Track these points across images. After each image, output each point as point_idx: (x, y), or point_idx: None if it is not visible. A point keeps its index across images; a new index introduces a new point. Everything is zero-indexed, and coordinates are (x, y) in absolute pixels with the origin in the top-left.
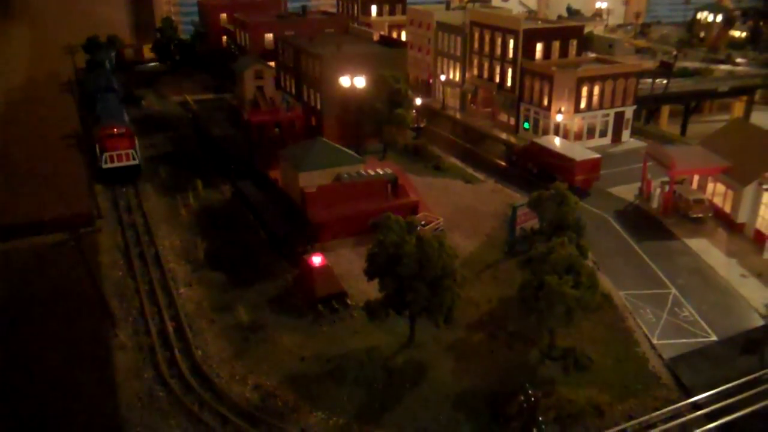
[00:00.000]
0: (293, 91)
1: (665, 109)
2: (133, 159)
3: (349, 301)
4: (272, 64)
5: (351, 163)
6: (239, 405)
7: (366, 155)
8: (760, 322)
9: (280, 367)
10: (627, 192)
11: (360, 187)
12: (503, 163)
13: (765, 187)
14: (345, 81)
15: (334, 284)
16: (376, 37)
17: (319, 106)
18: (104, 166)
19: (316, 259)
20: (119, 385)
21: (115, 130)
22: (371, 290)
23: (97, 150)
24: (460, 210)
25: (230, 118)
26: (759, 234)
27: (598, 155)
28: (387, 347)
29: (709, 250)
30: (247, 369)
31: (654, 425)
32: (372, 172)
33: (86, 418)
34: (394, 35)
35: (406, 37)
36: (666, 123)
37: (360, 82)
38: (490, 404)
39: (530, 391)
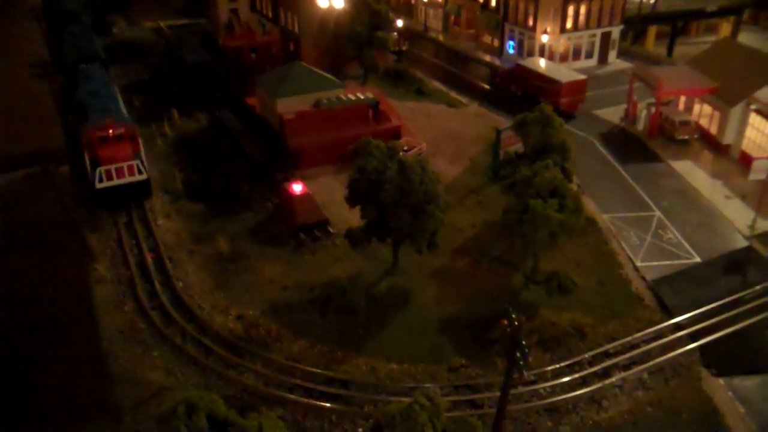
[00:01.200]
0: (269, 14)
1: (652, 30)
2: (139, 172)
3: (331, 229)
4: None
5: (330, 88)
6: (222, 335)
7: (346, 80)
8: (743, 243)
9: (263, 297)
10: (613, 114)
11: (340, 112)
12: (487, 86)
13: (752, 107)
14: (323, 2)
15: (315, 212)
16: None
17: (296, 30)
18: (99, 185)
19: (297, 187)
20: (100, 319)
21: (111, 130)
22: (353, 218)
23: (86, 161)
24: (443, 135)
25: (205, 43)
26: (744, 155)
27: (584, 77)
28: (370, 274)
29: (694, 172)
30: (228, 300)
31: (636, 346)
32: (352, 97)
33: (68, 351)
34: None
35: None
36: (653, 44)
37: (338, 3)
38: (473, 329)
39: (513, 315)
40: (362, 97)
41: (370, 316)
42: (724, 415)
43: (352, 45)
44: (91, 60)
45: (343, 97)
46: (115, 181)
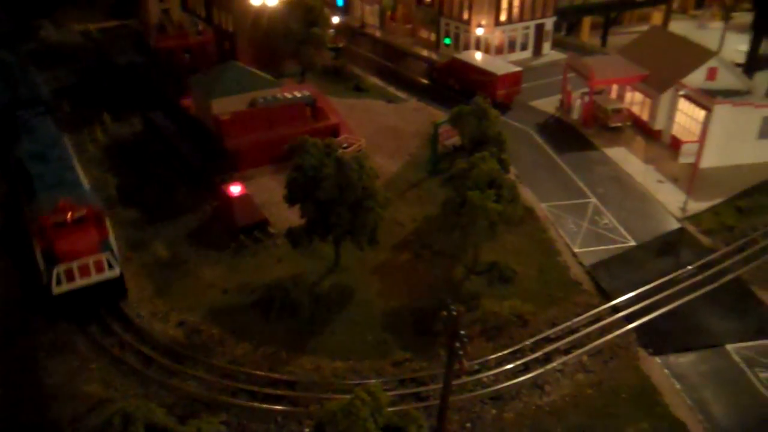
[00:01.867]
0: (202, 14)
1: (586, 21)
2: (110, 267)
3: (271, 230)
4: None
5: (266, 87)
6: (163, 343)
7: (284, 78)
8: (676, 225)
9: (204, 302)
10: (548, 104)
11: (277, 111)
12: (425, 81)
13: (680, 93)
14: (256, 0)
15: (254, 213)
16: None
17: (231, 29)
18: (57, 289)
19: (235, 189)
20: (35, 332)
21: (70, 213)
22: (294, 217)
23: (38, 256)
24: (382, 130)
25: (137, 45)
26: (675, 140)
27: (519, 69)
28: (313, 273)
29: (628, 158)
30: (169, 306)
31: (576, 330)
32: (289, 95)
33: (1, 368)
34: None
35: None
36: (587, 34)
37: (271, 0)
38: (417, 322)
39: (452, 306)
40: (299, 95)
41: (314, 316)
42: (661, 393)
43: (288, 43)
44: (32, 105)
45: (280, 96)
46: (78, 282)
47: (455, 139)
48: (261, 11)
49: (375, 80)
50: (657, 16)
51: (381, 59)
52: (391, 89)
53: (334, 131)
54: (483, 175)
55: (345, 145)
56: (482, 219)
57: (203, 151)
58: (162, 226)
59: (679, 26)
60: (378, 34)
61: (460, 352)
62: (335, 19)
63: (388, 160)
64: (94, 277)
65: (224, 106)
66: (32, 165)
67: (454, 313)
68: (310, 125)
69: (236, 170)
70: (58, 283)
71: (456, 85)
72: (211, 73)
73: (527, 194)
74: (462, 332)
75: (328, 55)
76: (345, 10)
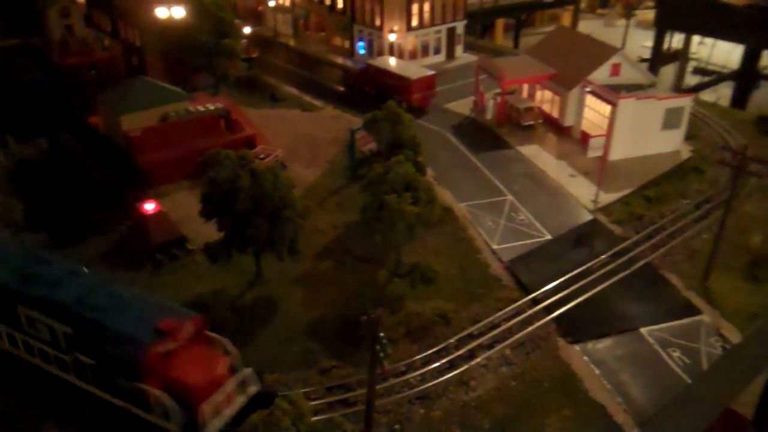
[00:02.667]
0: (108, 28)
1: (500, 23)
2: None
3: (189, 246)
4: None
5: (178, 101)
6: None
7: (196, 91)
8: (589, 217)
9: None
10: (463, 106)
11: (190, 125)
12: (341, 88)
13: (587, 90)
14: (162, 12)
15: (171, 230)
16: None
17: (138, 43)
18: None
19: (149, 206)
20: None
21: (180, 333)
22: (213, 231)
23: (157, 403)
24: (299, 139)
25: (40, 63)
26: (584, 135)
27: (432, 72)
28: (234, 287)
29: (541, 155)
30: None
31: (498, 325)
32: (202, 108)
33: None
34: None
35: None
36: (501, 37)
37: (178, 12)
38: (342, 329)
39: (370, 311)
40: (212, 108)
41: (237, 330)
42: (581, 379)
43: (199, 55)
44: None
45: (192, 109)
46: (227, 414)
47: (372, 145)
48: (168, 24)
49: (291, 89)
50: (567, 17)
51: (296, 68)
52: (307, 98)
53: (250, 142)
54: (399, 179)
55: (262, 155)
56: (401, 222)
57: (115, 169)
58: (74, 249)
59: (587, 25)
60: (292, 43)
61: (381, 355)
62: (247, 30)
63: (307, 168)
64: (238, 400)
65: (134, 122)
66: (82, 309)
67: (374, 317)
68: (224, 138)
69: (150, 187)
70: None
71: (372, 91)
72: (119, 89)
73: (445, 195)
74: (382, 335)
75: (241, 66)
76: (257, 20)
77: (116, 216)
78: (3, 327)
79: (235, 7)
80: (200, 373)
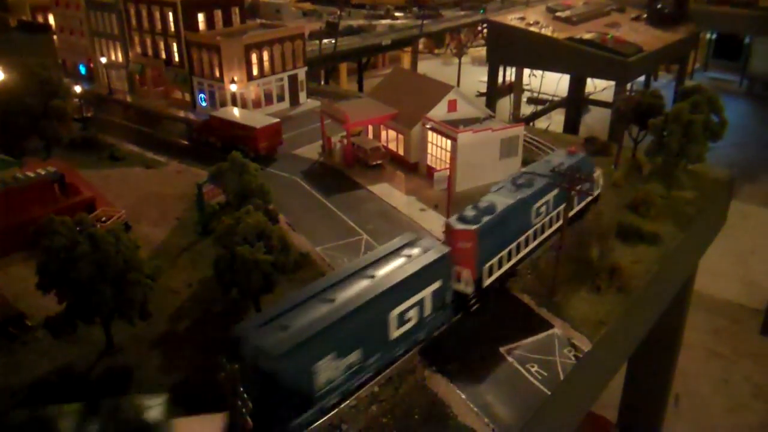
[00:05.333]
0: None
1: (343, 68)
2: None
3: (29, 323)
4: None
5: (4, 168)
6: None
7: (25, 157)
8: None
9: None
10: (311, 151)
11: (19, 193)
12: (185, 142)
13: (428, 127)
14: None
15: (5, 308)
16: (13, 23)
17: None
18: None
19: None
20: None
21: None
22: (54, 304)
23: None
24: (144, 198)
25: None
26: (430, 169)
27: (277, 120)
28: (83, 361)
29: (391, 193)
30: None
31: None
32: (31, 174)
33: None
34: (40, 19)
35: (55, 19)
36: (346, 81)
37: None
38: (204, 389)
39: (228, 365)
40: (43, 173)
41: (89, 404)
42: (449, 405)
43: (25, 118)
44: None
45: (20, 176)
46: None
47: (221, 197)
48: None
49: (131, 147)
50: (407, 58)
51: (135, 125)
52: (150, 154)
53: (90, 206)
54: (250, 229)
55: (103, 218)
56: (256, 272)
57: None
58: None
59: (427, 65)
60: (129, 99)
61: (243, 410)
62: (78, 89)
63: (155, 227)
64: None
65: None
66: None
67: (232, 371)
68: (60, 203)
69: None
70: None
71: (217, 143)
72: None
73: (301, 240)
74: (242, 389)
75: (75, 127)
76: (89, 78)
77: None
78: None
79: (64, 65)
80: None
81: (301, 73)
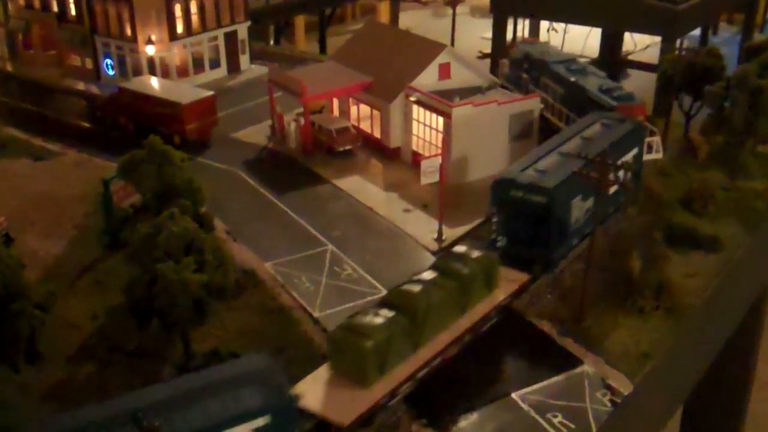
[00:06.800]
0: None
1: (300, 23)
2: None
3: None
4: None
5: None
6: None
7: None
8: (432, 260)
9: None
10: (257, 134)
11: None
12: (86, 124)
13: (412, 99)
14: None
15: None
16: None
17: None
18: None
19: None
20: None
21: None
22: None
23: None
24: (32, 200)
25: None
26: (416, 156)
27: (211, 93)
28: None
29: (365, 188)
30: None
31: None
32: None
33: None
34: None
35: None
36: (303, 39)
37: None
38: None
39: (144, 422)
40: None
41: None
42: None
43: None
44: None
45: None
46: None
47: (135, 198)
48: None
49: (13, 131)
50: (385, 9)
51: (18, 101)
52: (38, 141)
53: None
54: (175, 240)
55: None
56: (183, 297)
57: None
58: None
59: (412, 17)
60: (9, 67)
61: None
62: None
63: (46, 239)
64: None
65: None
66: None
67: (149, 428)
68: None
69: None
70: None
71: (130, 125)
72: None
73: (244, 253)
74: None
75: None
76: None
77: None
78: None
79: None
80: None
81: (243, 29)
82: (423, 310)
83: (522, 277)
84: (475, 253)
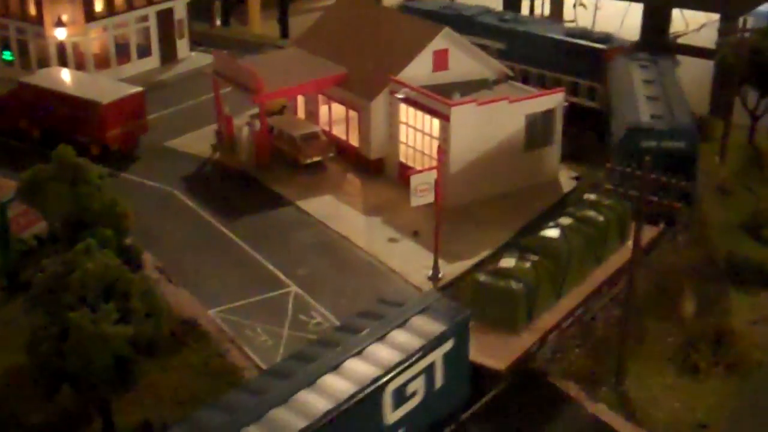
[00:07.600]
0: None
1: (254, 1)
2: None
3: None
4: None
5: None
6: None
7: None
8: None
9: None
10: (199, 142)
11: None
12: None
13: (398, 96)
14: None
15: None
16: None
17: None
18: None
19: None
20: None
21: None
22: None
23: None
24: None
25: None
26: (405, 170)
27: (139, 89)
28: None
29: (339, 212)
30: None
31: None
32: None
33: None
34: None
35: None
36: (258, 20)
37: None
38: None
39: None
40: None
41: None
42: None
43: None
44: None
45: None
46: None
47: (40, 226)
48: None
49: None
50: None
51: None
52: None
53: None
54: (92, 280)
55: None
56: (102, 355)
57: None
58: None
59: None
60: None
61: None
62: None
63: None
64: None
65: None
66: None
67: None
68: None
69: None
70: None
71: (33, 131)
72: None
73: (182, 298)
74: None
75: None
76: None
77: None
78: None
79: None
80: None
81: (180, 7)
82: (565, 255)
83: (652, 230)
84: (608, 201)
